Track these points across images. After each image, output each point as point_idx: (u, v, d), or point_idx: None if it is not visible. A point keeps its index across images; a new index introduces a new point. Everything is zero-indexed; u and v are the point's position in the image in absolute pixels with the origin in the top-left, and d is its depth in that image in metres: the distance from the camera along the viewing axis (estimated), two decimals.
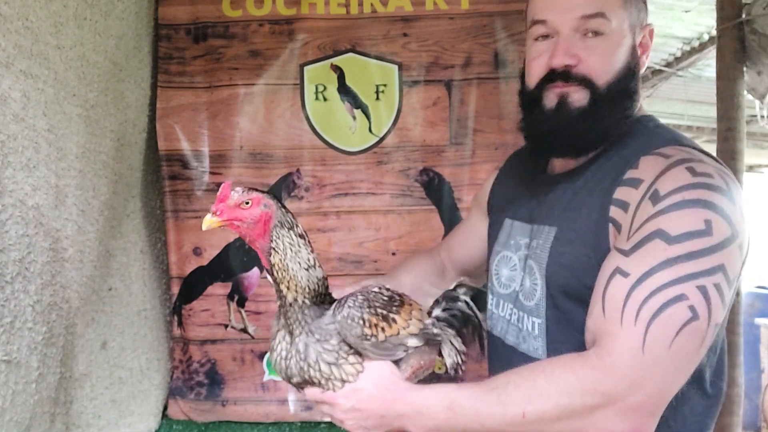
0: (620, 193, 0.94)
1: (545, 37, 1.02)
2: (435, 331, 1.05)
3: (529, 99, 1.06)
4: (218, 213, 0.91)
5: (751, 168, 7.31)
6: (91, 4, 1.35)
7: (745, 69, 2.09)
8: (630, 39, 1.01)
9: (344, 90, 1.83)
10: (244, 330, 1.86)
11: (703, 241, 0.85)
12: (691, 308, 0.83)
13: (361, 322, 0.94)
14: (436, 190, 1.83)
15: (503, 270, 1.15)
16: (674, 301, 0.83)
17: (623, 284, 0.87)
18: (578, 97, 0.99)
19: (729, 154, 2.07)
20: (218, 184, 1.81)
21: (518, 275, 1.10)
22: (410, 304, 1.05)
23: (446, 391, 0.93)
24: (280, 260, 0.94)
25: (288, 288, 0.95)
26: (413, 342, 1.00)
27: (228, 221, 0.92)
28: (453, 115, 1.82)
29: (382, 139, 1.84)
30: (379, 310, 0.98)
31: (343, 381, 0.95)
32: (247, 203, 0.92)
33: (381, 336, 0.96)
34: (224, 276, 1.85)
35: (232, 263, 1.85)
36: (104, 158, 1.47)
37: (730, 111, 2.08)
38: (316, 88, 1.83)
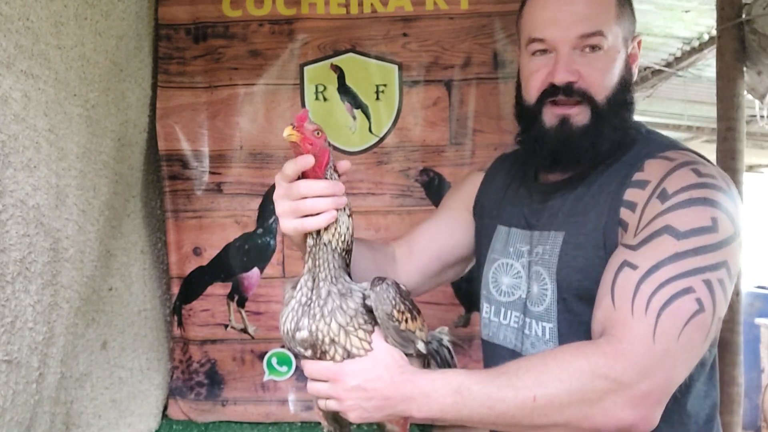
0: (629, 194, 0.97)
1: (543, 51, 1.05)
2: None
3: (527, 113, 1.08)
4: (299, 129, 0.93)
5: (751, 168, 7.30)
6: (91, 4, 1.35)
7: (745, 69, 2.09)
8: (624, 52, 1.05)
9: (344, 90, 1.83)
10: (244, 330, 1.86)
11: (709, 237, 0.88)
12: (698, 301, 0.86)
13: (393, 302, 0.96)
14: (436, 191, 1.83)
15: (503, 278, 1.16)
16: (682, 293, 0.86)
17: (632, 276, 0.89)
18: (580, 118, 1.02)
19: (729, 154, 2.06)
20: (218, 184, 1.83)
21: (523, 283, 1.11)
22: (424, 319, 1.06)
23: (454, 375, 0.93)
24: None
25: (326, 229, 0.96)
26: (421, 346, 1.01)
27: (305, 140, 0.93)
28: (453, 115, 1.83)
29: (382, 139, 1.84)
30: (407, 303, 1.00)
31: (346, 351, 0.95)
32: (319, 133, 0.95)
33: (403, 325, 0.97)
34: (224, 276, 1.85)
35: (232, 263, 1.85)
36: (105, 158, 1.47)
37: (730, 111, 2.08)
38: (316, 88, 1.83)
